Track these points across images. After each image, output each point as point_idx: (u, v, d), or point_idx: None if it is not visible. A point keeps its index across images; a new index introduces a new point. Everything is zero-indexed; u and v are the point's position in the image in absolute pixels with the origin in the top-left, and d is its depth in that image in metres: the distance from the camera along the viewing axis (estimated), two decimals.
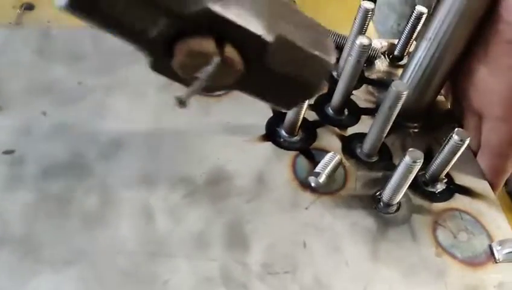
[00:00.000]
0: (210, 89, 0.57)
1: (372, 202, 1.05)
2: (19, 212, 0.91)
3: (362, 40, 1.04)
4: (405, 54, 1.38)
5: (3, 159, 0.97)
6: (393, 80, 0.99)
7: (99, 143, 1.04)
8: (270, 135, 1.13)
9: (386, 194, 1.01)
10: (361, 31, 1.17)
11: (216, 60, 0.53)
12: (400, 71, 1.33)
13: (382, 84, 1.30)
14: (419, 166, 0.93)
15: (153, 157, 1.04)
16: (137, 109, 1.12)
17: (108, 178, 0.98)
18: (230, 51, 0.54)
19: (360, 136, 1.16)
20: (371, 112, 1.23)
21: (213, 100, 1.18)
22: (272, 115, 1.17)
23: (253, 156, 1.09)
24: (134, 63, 1.17)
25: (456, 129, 0.99)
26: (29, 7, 1.39)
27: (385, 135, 1.07)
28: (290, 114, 1.08)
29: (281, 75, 0.60)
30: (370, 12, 1.16)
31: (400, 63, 1.38)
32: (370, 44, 1.05)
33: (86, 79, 1.15)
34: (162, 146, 1.07)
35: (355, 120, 1.21)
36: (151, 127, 1.10)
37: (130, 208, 0.95)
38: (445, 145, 1.02)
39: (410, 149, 0.93)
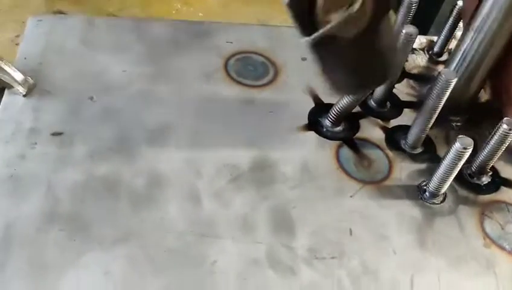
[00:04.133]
0: (331, 38, 0.61)
1: (417, 192, 1.03)
2: (68, 192, 0.92)
3: (409, 29, 1.04)
4: (445, 50, 1.37)
5: (52, 140, 0.98)
6: (434, 74, 0.99)
7: (145, 128, 1.05)
8: (313, 124, 1.12)
9: (432, 183, 1.00)
10: (405, 22, 1.17)
11: (358, 2, 0.55)
12: (440, 67, 1.32)
13: (424, 79, 1.29)
14: (469, 153, 0.92)
15: (198, 143, 1.05)
16: (182, 96, 1.13)
17: (155, 162, 0.99)
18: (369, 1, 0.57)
19: (404, 129, 1.14)
20: (413, 105, 1.22)
21: (256, 90, 1.18)
22: (313, 105, 1.17)
23: (297, 145, 1.09)
24: (176, 54, 1.19)
25: (505, 119, 0.98)
26: None
27: (430, 125, 1.06)
28: (342, 103, 1.08)
29: (378, 50, 0.65)
30: (414, 5, 1.16)
31: (440, 59, 1.37)
32: (417, 34, 1.05)
33: (131, 68, 1.16)
34: (207, 132, 1.07)
35: (397, 113, 1.20)
36: (196, 114, 1.11)
37: (177, 191, 0.95)
38: (493, 135, 1.00)
39: (460, 136, 0.92)
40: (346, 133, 1.12)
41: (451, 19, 1.30)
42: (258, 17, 1.42)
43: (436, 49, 1.38)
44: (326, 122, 1.12)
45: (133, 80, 1.07)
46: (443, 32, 1.34)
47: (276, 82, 1.20)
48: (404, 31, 1.04)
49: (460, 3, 1.26)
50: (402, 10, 1.16)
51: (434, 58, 1.37)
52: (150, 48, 1.22)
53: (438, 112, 1.03)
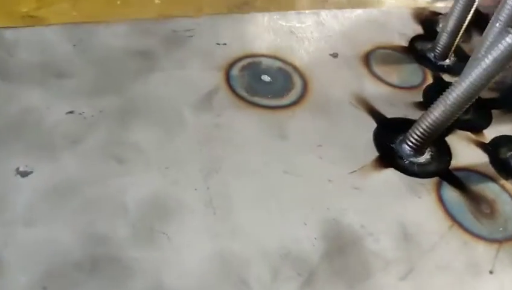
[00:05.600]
0: None
1: None
2: None
3: None
4: None
5: None
6: None
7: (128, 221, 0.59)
8: (387, 156, 0.72)
9: None
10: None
11: None
12: None
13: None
14: None
15: (226, 224, 0.60)
16: (173, 146, 0.68)
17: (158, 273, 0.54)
18: None
19: (507, 140, 0.77)
20: (497, 103, 0.85)
21: (283, 113, 0.75)
22: (376, 125, 0.76)
23: (376, 196, 0.68)
24: (145, 75, 0.73)
25: None
26: None
27: None
28: (434, 115, 0.68)
29: None
30: None
31: None
32: None
33: (76, 103, 0.69)
34: (233, 204, 0.63)
35: (485, 118, 0.82)
36: (206, 175, 0.65)
37: None
38: None
39: None
40: (437, 163, 0.72)
41: None
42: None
43: None
44: (406, 150, 0.71)
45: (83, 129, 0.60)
46: None
47: (309, 95, 0.78)
48: None
49: None
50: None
51: None
52: (100, 68, 0.75)
53: None
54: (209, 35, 0.86)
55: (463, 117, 0.81)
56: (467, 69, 0.69)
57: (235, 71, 0.80)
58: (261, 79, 0.80)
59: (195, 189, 0.63)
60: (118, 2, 0.91)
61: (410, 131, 0.73)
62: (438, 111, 0.70)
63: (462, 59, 0.94)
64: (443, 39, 0.90)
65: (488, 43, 0.74)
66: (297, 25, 0.92)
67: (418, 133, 0.72)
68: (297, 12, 0.95)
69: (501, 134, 0.80)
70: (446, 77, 0.90)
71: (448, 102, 0.69)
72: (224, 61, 0.81)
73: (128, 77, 0.75)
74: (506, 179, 0.74)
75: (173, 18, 0.87)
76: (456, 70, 0.92)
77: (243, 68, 0.81)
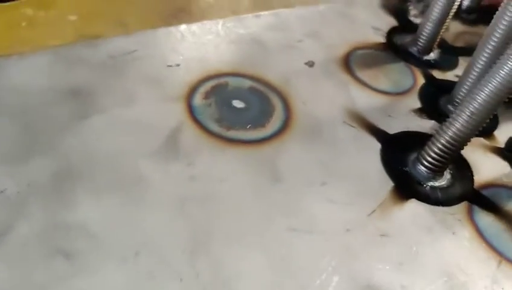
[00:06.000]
0: None
1: None
2: None
3: None
4: None
5: None
6: None
7: None
8: (403, 184, 0.58)
9: None
10: None
11: None
12: None
13: None
14: None
15: None
16: (142, 202, 0.50)
17: None
18: None
19: None
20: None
21: (272, 150, 0.59)
22: (381, 144, 0.63)
23: (407, 241, 0.54)
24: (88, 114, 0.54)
25: None
26: None
27: None
28: (456, 126, 0.56)
29: None
30: None
31: None
32: None
33: None
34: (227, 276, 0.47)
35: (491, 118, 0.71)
36: (191, 241, 0.48)
37: None
38: None
39: None
40: (462, 184, 0.60)
41: None
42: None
43: None
44: (423, 173, 0.59)
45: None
46: None
47: (294, 117, 0.63)
48: None
49: None
50: None
51: None
52: (18, 120, 0.56)
53: None
54: (156, 56, 0.67)
55: None
56: (493, 66, 0.56)
57: (198, 100, 0.63)
58: (232, 106, 0.63)
59: (181, 279, 0.46)
60: (23, 24, 0.70)
61: (426, 149, 0.60)
62: (461, 121, 0.57)
63: (447, 51, 0.82)
64: (427, 30, 0.78)
65: (501, 31, 0.63)
66: (259, 31, 0.76)
67: (437, 151, 0.59)
68: (256, 15, 0.79)
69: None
70: (436, 74, 0.78)
71: (473, 109, 0.56)
72: (181, 89, 0.64)
73: (58, 127, 0.56)
74: None
75: (105, 39, 0.68)
76: (444, 64, 0.80)
77: (208, 94, 0.64)
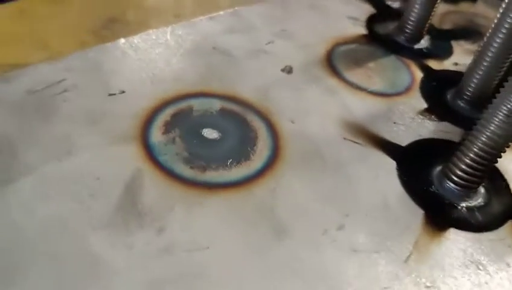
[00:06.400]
0: None
1: None
2: None
3: None
4: None
5: None
6: None
7: None
8: (434, 210, 0.46)
9: None
10: None
11: None
12: None
13: None
14: None
15: None
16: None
17: None
18: None
19: None
20: None
21: (265, 191, 0.45)
22: (395, 164, 0.50)
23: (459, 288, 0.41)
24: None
25: None
26: None
27: None
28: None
29: None
30: None
31: None
32: None
33: None
34: None
35: None
36: None
37: None
38: None
39: None
40: (499, 199, 0.48)
41: None
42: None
43: None
44: (453, 191, 0.47)
45: None
46: None
47: (283, 143, 0.50)
48: None
49: None
50: None
51: None
52: None
53: None
54: (92, 84, 0.51)
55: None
56: None
57: (156, 136, 0.48)
58: (203, 137, 0.48)
59: None
60: None
61: (454, 161, 0.48)
62: (496, 123, 0.45)
63: (437, 36, 0.71)
64: (414, 15, 0.66)
65: None
66: (218, 36, 0.62)
67: (469, 163, 0.47)
68: (210, 18, 0.65)
69: None
70: (433, 64, 0.66)
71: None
72: (132, 123, 0.48)
73: None
74: None
75: (23, 68, 0.51)
76: (439, 52, 0.69)
77: (168, 126, 0.49)
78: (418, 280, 0.41)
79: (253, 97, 0.54)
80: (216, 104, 0.52)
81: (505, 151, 0.47)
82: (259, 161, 0.47)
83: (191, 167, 0.45)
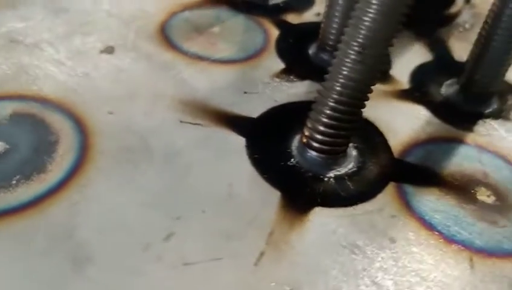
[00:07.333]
0: None
1: None
2: None
3: None
4: None
5: None
6: None
7: None
8: (293, 187, 0.36)
9: None
10: None
11: None
12: None
13: None
14: None
15: None
16: None
17: None
18: None
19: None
20: None
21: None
22: (245, 142, 0.40)
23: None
24: None
25: None
26: None
27: None
28: None
29: None
30: None
31: None
32: None
33: None
34: None
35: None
36: None
37: None
38: None
39: None
40: (378, 159, 0.40)
41: None
42: None
43: None
44: (316, 159, 0.38)
45: None
46: None
47: (94, 143, 0.38)
48: None
49: None
50: None
51: None
52: None
53: None
54: None
55: None
56: None
57: None
58: None
59: None
60: None
61: (311, 124, 0.38)
62: (350, 64, 0.36)
63: None
64: None
65: None
66: (19, 23, 0.49)
67: (328, 121, 0.37)
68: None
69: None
70: (292, 18, 0.57)
71: (363, 39, 0.35)
72: None
73: None
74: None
75: None
76: (297, 4, 0.59)
77: None
78: (274, 285, 0.31)
79: (57, 92, 0.42)
80: (7, 108, 0.40)
81: (367, 99, 0.38)
82: (59, 170, 0.36)
83: None
